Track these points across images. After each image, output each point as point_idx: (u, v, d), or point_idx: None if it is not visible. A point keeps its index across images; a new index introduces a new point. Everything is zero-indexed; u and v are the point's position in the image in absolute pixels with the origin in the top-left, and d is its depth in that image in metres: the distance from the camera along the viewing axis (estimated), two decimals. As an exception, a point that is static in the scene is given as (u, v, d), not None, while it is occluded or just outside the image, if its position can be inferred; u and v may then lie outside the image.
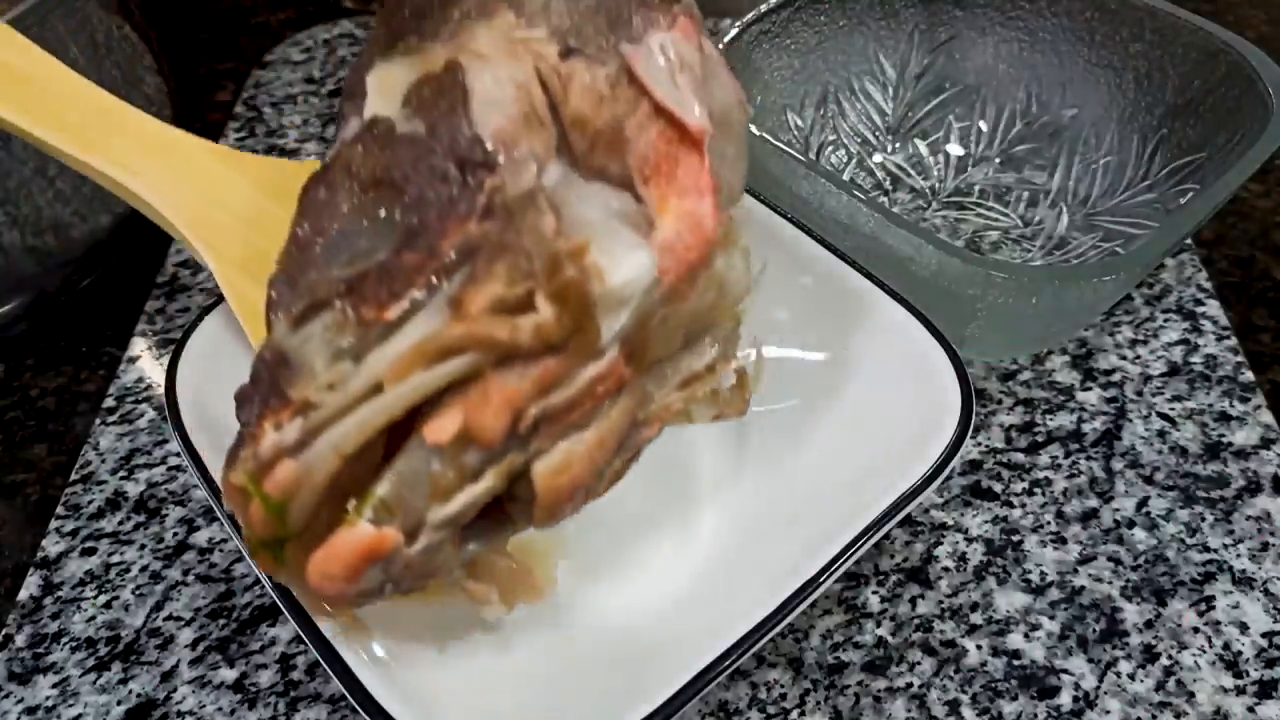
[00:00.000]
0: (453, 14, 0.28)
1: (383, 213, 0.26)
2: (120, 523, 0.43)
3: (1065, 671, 0.38)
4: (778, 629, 0.31)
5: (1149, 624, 0.40)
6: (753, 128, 0.45)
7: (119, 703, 0.38)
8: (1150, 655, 0.39)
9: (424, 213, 0.25)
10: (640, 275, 0.26)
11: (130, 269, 0.55)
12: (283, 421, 0.25)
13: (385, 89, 0.28)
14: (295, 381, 0.25)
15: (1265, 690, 0.38)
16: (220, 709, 0.37)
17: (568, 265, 0.25)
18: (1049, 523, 0.43)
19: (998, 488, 0.44)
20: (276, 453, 0.25)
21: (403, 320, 0.25)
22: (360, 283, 0.25)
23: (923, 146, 0.57)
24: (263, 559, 0.27)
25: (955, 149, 0.57)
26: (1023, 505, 0.44)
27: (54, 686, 0.38)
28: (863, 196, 0.41)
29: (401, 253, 0.25)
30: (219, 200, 0.40)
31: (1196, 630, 0.39)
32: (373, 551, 0.26)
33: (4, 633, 0.40)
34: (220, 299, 0.40)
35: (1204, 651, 0.39)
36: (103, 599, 0.41)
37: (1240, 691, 0.38)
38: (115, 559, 0.42)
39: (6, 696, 0.38)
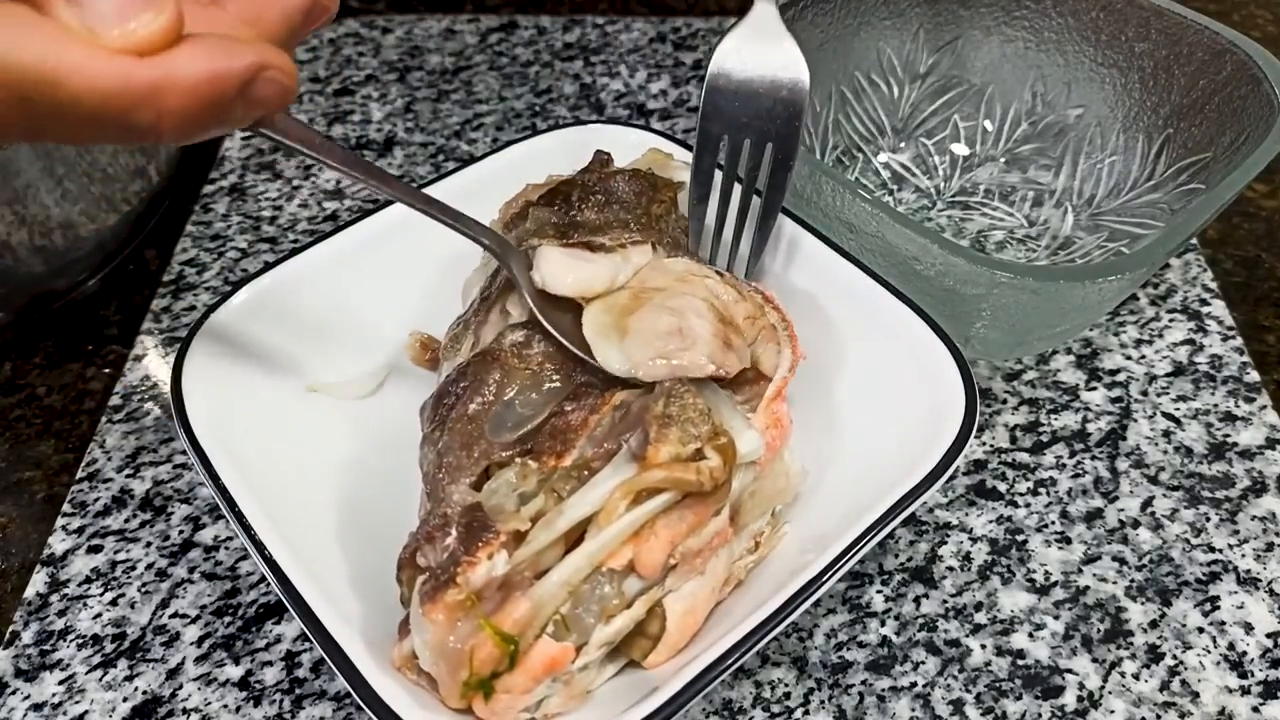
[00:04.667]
0: (605, 236, 0.39)
1: (543, 387, 0.34)
2: (126, 520, 0.43)
3: (1069, 671, 0.38)
4: (782, 627, 0.31)
5: (1153, 624, 0.40)
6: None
7: (125, 699, 0.38)
8: (1155, 655, 0.39)
9: (579, 386, 0.34)
10: (756, 447, 0.34)
11: (137, 268, 0.55)
12: (494, 552, 0.30)
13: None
14: (496, 519, 0.30)
15: (1270, 690, 0.38)
16: (225, 706, 0.37)
17: (720, 433, 0.33)
18: (1053, 522, 0.43)
19: (1002, 487, 0.44)
20: (489, 582, 0.29)
21: (584, 468, 0.32)
22: (533, 440, 0.33)
23: (928, 146, 0.57)
24: (467, 699, 0.30)
25: (960, 148, 0.57)
26: (1027, 505, 0.44)
27: (60, 683, 0.38)
28: (868, 196, 0.41)
29: (563, 415, 0.33)
30: None
31: (1201, 630, 0.39)
32: (556, 663, 0.30)
33: (11, 630, 0.40)
34: (225, 297, 0.40)
35: (1209, 652, 0.39)
36: (109, 596, 0.41)
37: (1245, 692, 0.38)
38: (121, 556, 0.42)
39: (14, 693, 0.38)
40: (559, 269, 0.37)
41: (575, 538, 0.31)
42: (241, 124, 0.27)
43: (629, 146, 0.47)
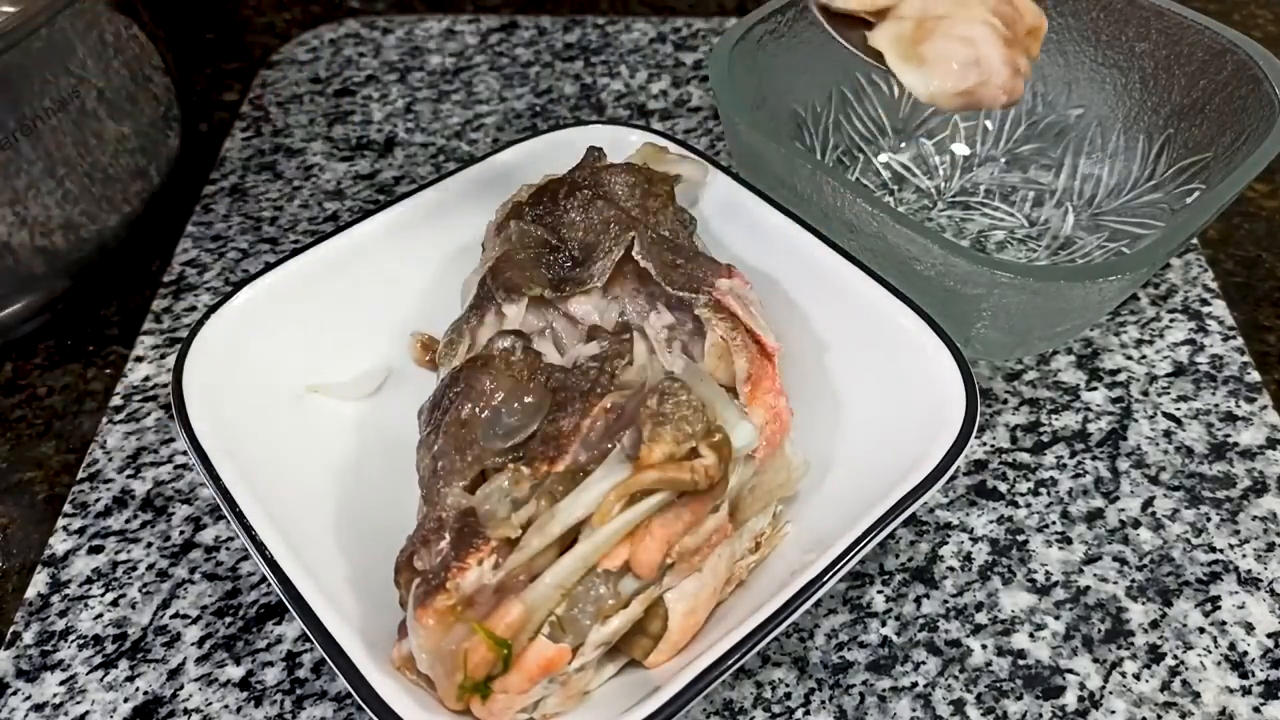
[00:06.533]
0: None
1: (529, 397, 0.34)
2: (127, 521, 0.43)
3: (1070, 671, 0.38)
4: (782, 628, 0.31)
5: (1154, 624, 0.40)
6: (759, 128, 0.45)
7: (126, 700, 0.38)
8: (1156, 655, 0.39)
9: (569, 393, 0.34)
10: (751, 439, 0.34)
11: (137, 269, 0.55)
12: (484, 558, 0.30)
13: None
14: (487, 525, 0.31)
15: (1271, 690, 0.38)
16: (226, 706, 0.37)
17: (715, 430, 0.32)
18: (1054, 522, 0.43)
19: (1003, 487, 0.44)
20: (481, 588, 0.30)
21: (579, 472, 0.32)
22: (526, 447, 0.33)
23: (928, 146, 0.57)
24: (464, 701, 0.30)
25: (961, 148, 0.57)
26: (1028, 505, 0.44)
27: (61, 684, 0.38)
28: (868, 196, 0.41)
29: (555, 421, 0.33)
30: None
31: (1202, 630, 0.39)
32: (553, 664, 0.30)
33: (12, 630, 0.40)
34: (226, 298, 0.40)
35: (1209, 652, 0.39)
36: (110, 597, 0.41)
37: (1246, 692, 0.38)
38: (122, 557, 0.42)
39: (15, 694, 0.38)
40: None
41: (570, 540, 0.31)
42: None
43: (630, 147, 0.47)
